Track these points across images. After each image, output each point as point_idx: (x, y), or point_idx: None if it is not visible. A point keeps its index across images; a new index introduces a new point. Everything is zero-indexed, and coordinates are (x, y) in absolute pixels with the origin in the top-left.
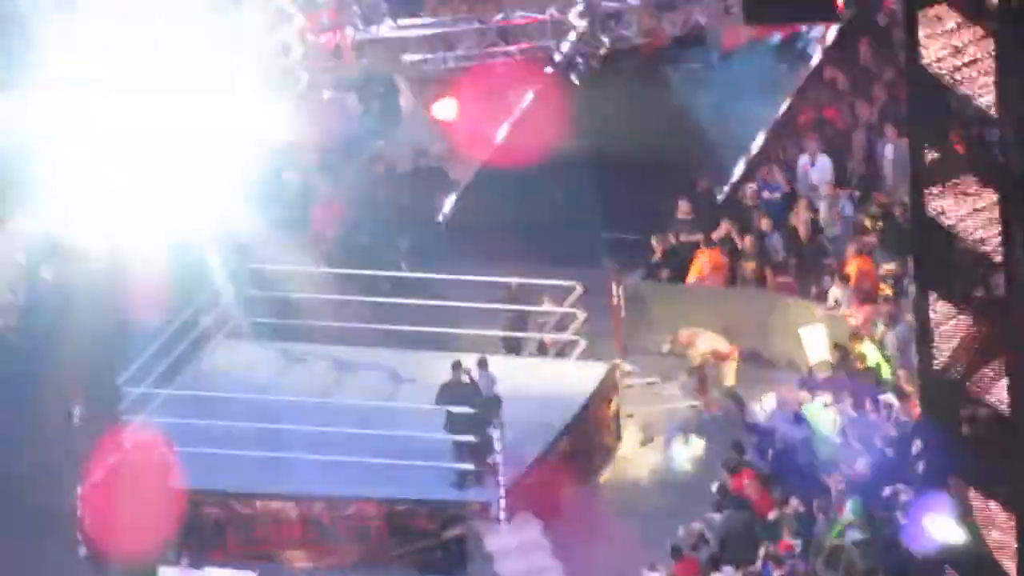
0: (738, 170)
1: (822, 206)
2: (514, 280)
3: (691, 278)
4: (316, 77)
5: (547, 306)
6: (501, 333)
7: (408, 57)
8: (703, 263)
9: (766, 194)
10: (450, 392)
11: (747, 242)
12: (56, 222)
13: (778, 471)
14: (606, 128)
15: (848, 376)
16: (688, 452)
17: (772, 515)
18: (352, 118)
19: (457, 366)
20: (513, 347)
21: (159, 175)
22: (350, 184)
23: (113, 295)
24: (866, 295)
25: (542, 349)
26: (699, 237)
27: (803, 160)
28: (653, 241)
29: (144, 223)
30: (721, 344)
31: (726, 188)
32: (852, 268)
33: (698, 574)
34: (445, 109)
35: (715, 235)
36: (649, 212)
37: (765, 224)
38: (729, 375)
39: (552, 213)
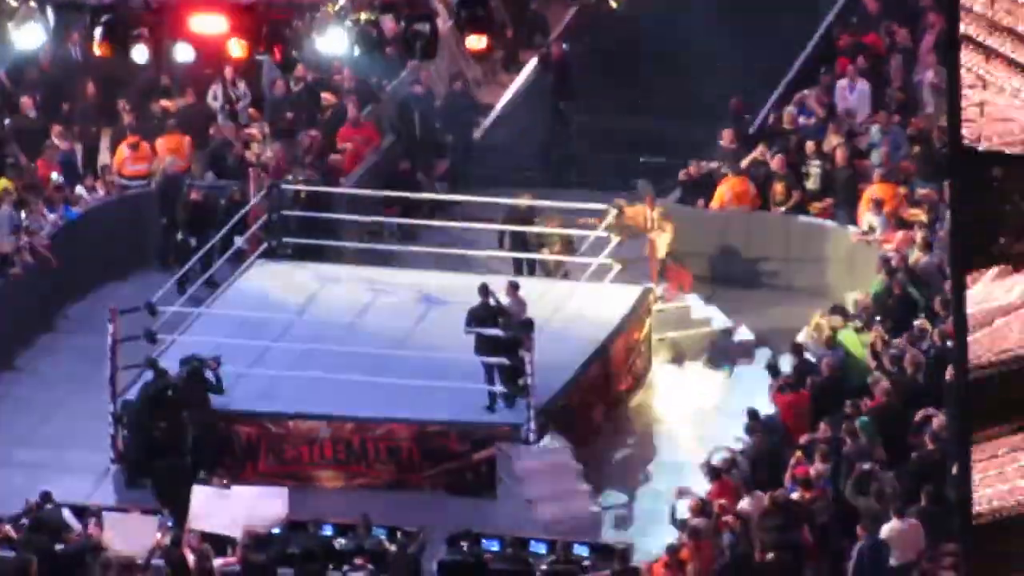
0: (774, 95)
1: (865, 131)
2: (546, 203)
3: (712, 207)
4: None
5: (582, 230)
6: (536, 256)
7: None
8: (724, 191)
9: (802, 119)
10: (479, 315)
11: (777, 162)
12: None
13: (813, 395)
14: (641, 49)
15: (883, 303)
16: (718, 376)
17: (803, 439)
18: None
19: (484, 290)
20: (534, 270)
21: None
22: (384, 106)
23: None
24: (900, 220)
25: (554, 270)
26: (718, 165)
27: (841, 84)
28: (688, 167)
29: None
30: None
31: (762, 113)
32: (884, 193)
33: (735, 496)
34: (479, 42)
35: (743, 162)
36: (686, 138)
37: (809, 147)
38: (661, 247)
39: (584, 137)
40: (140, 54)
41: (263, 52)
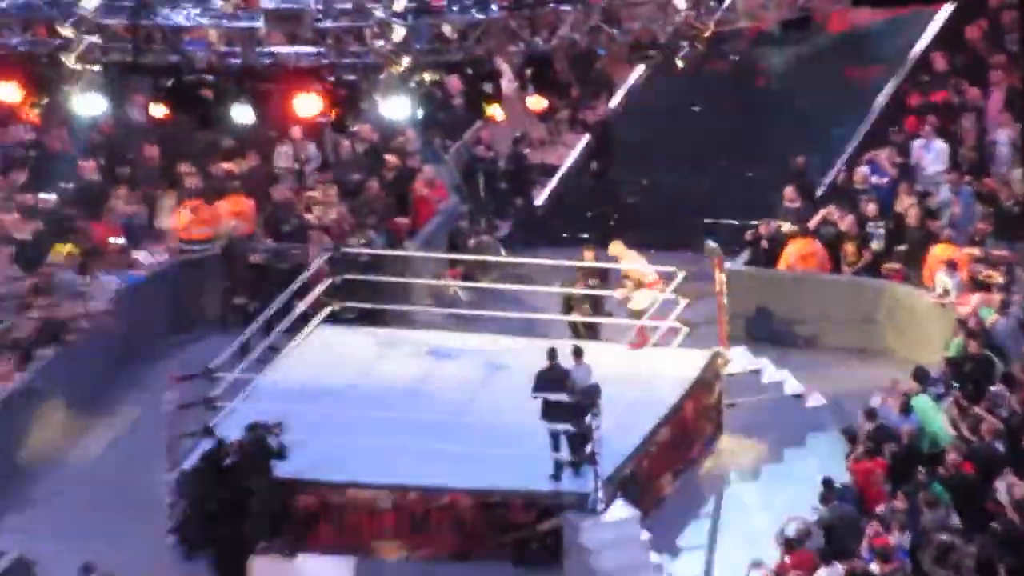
0: (844, 155)
1: (936, 191)
2: (612, 266)
3: (780, 268)
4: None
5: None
6: (600, 319)
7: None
8: (791, 252)
9: (874, 179)
10: (546, 380)
11: (848, 222)
12: None
13: (890, 462)
14: (709, 111)
15: (960, 367)
16: (791, 442)
17: (880, 508)
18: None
19: (552, 354)
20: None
21: None
22: (449, 167)
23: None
24: (975, 282)
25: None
26: (790, 226)
27: (918, 143)
28: (758, 227)
29: None
30: (646, 272)
31: (832, 172)
32: (957, 254)
33: (811, 568)
34: (539, 102)
35: (812, 222)
36: (752, 198)
37: (871, 209)
38: (640, 300)
39: (650, 198)
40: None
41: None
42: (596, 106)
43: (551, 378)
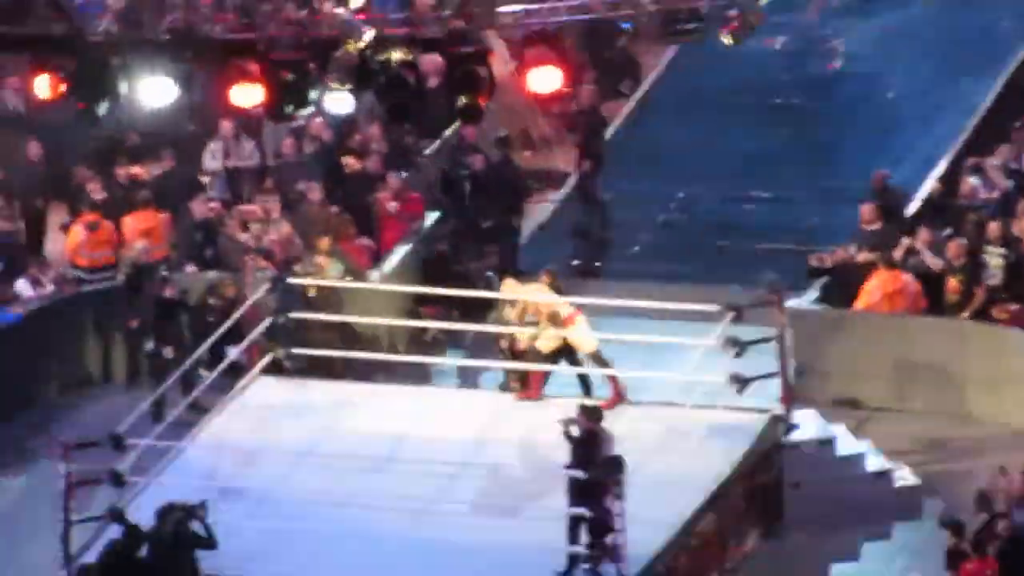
0: (943, 161)
1: None
2: (641, 303)
3: (858, 307)
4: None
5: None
6: (619, 372)
7: (505, 9)
8: (873, 289)
9: (983, 194)
10: (583, 448)
11: (953, 249)
12: None
13: (1005, 561)
14: (763, 103)
15: None
16: (873, 534)
17: None
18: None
19: (596, 414)
20: None
21: None
22: (427, 172)
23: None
24: None
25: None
26: (864, 254)
27: None
28: (828, 255)
29: None
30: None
31: (926, 183)
32: None
33: None
34: (547, 79)
35: (898, 251)
36: (820, 217)
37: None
38: (550, 339)
39: (688, 216)
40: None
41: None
42: (578, 92)
43: (589, 445)
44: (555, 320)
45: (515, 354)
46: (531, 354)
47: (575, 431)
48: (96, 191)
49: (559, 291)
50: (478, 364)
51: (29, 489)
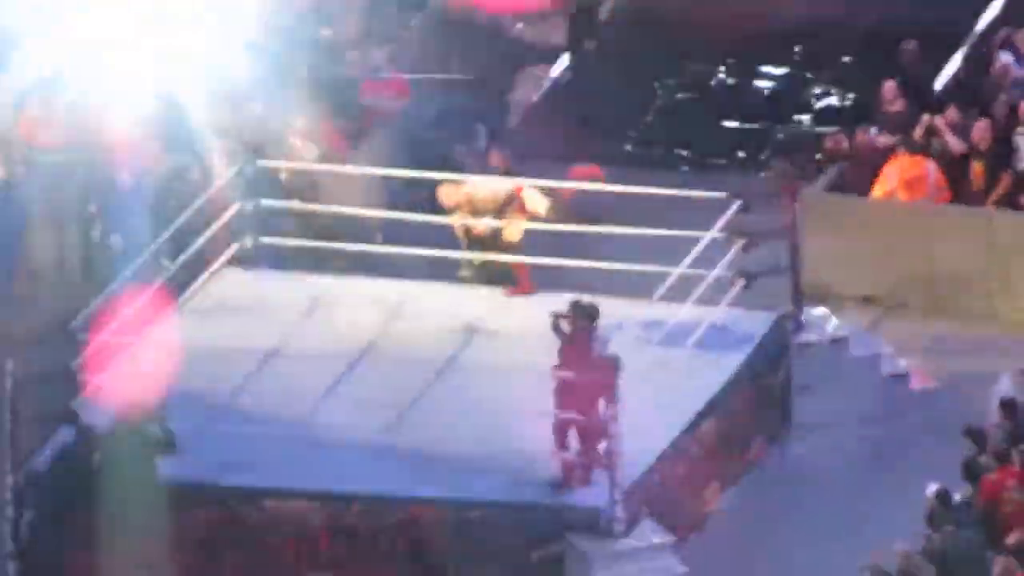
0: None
1: None
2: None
3: (876, 195)
4: None
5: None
6: (602, 265)
7: None
8: (891, 174)
9: (1018, 71)
10: None
11: (979, 132)
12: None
13: None
14: None
15: None
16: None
17: (1012, 538)
18: None
19: (592, 312)
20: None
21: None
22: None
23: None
24: None
25: None
26: (885, 137)
27: None
28: (845, 138)
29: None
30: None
31: (954, 60)
32: None
33: None
34: None
35: (919, 132)
36: (836, 96)
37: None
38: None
39: (692, 97)
40: None
41: None
42: None
43: (580, 344)
44: (513, 205)
45: (473, 240)
46: (506, 248)
47: (565, 326)
48: None
49: (510, 174)
50: (455, 255)
51: None
